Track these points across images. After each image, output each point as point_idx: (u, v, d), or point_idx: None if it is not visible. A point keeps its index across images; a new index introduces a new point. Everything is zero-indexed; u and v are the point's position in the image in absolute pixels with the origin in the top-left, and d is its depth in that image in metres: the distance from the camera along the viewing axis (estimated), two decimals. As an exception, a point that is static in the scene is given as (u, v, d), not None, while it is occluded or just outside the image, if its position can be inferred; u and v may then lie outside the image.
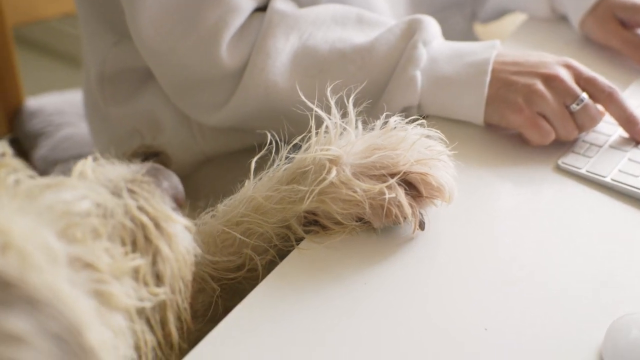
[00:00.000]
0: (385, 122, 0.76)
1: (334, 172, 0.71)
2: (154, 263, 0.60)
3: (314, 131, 0.74)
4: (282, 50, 0.89)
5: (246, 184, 0.77)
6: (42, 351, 0.38)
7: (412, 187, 0.73)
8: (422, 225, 0.73)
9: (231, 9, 0.88)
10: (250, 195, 0.74)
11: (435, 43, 0.89)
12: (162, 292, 0.60)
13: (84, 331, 0.43)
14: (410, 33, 0.88)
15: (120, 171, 0.63)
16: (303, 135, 0.75)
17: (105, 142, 1.10)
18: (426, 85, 0.88)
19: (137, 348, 0.57)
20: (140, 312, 0.58)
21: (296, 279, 0.69)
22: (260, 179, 0.76)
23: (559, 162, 0.83)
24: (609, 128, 0.87)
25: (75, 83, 1.51)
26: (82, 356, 0.41)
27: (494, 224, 0.79)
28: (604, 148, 0.85)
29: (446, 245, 0.74)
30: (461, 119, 0.89)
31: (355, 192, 0.71)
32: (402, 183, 0.72)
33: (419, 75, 0.87)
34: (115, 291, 0.54)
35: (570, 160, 0.83)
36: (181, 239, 0.62)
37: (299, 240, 0.74)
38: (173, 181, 0.65)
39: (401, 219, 0.72)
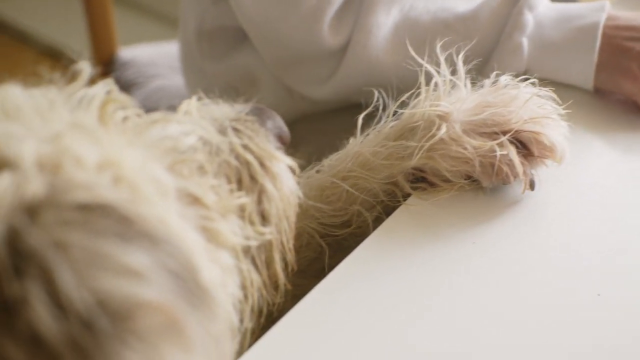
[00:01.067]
0: (495, 81, 0.75)
1: (443, 129, 0.70)
2: (259, 202, 0.60)
3: (423, 87, 0.73)
4: (383, 25, 0.88)
5: (351, 140, 0.77)
6: (160, 287, 0.38)
7: (523, 146, 0.71)
8: (532, 185, 0.72)
9: None
10: (357, 151, 0.74)
11: (541, 7, 0.87)
12: (268, 231, 0.60)
13: (198, 269, 0.43)
14: None
15: (225, 110, 0.62)
16: (411, 92, 0.74)
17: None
18: (533, 52, 0.86)
19: (244, 287, 0.58)
20: (246, 251, 0.58)
21: (402, 235, 0.69)
22: (367, 135, 0.76)
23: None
24: None
25: (167, 38, 1.52)
26: (198, 294, 0.41)
27: (603, 190, 0.76)
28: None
29: (554, 209, 0.73)
30: (570, 84, 0.87)
31: (465, 149, 0.70)
32: (514, 141, 0.71)
33: (525, 42, 0.85)
34: (222, 228, 0.54)
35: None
36: (285, 179, 0.62)
37: (406, 196, 0.73)
38: (277, 121, 0.64)
39: (511, 178, 0.70)
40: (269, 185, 0.60)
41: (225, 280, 0.54)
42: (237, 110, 0.63)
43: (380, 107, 0.76)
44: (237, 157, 0.59)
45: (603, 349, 0.59)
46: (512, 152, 0.70)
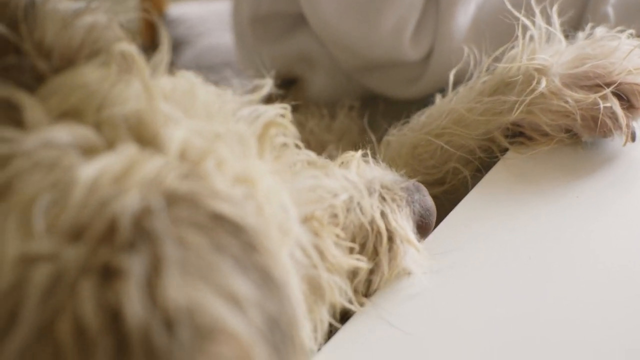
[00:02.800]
0: (591, 34, 0.73)
1: (543, 82, 0.69)
2: (370, 274, 0.59)
3: (520, 40, 0.72)
4: (463, 24, 0.86)
5: (437, 99, 0.76)
6: (251, 325, 0.37)
7: (626, 98, 0.70)
8: (633, 137, 0.71)
9: (409, 5, 0.85)
10: (451, 107, 0.73)
11: None
12: (368, 303, 0.58)
13: (298, 324, 0.42)
14: None
15: (380, 174, 0.62)
16: (505, 46, 0.73)
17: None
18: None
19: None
20: (342, 314, 0.57)
21: (503, 190, 0.69)
22: (457, 92, 0.75)
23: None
24: None
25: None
26: (288, 349, 0.40)
27: None
28: None
29: None
30: None
31: (566, 102, 0.69)
32: (616, 93, 0.69)
33: None
34: (332, 283, 0.53)
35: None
36: (405, 263, 0.60)
37: (503, 152, 0.72)
38: (427, 208, 0.63)
39: (613, 132, 0.70)
40: (384, 264, 0.59)
41: (316, 338, 0.53)
42: (393, 179, 0.62)
43: (471, 63, 0.75)
44: (371, 223, 0.58)
45: None
46: (616, 104, 0.68)
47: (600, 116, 0.69)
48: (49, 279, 0.36)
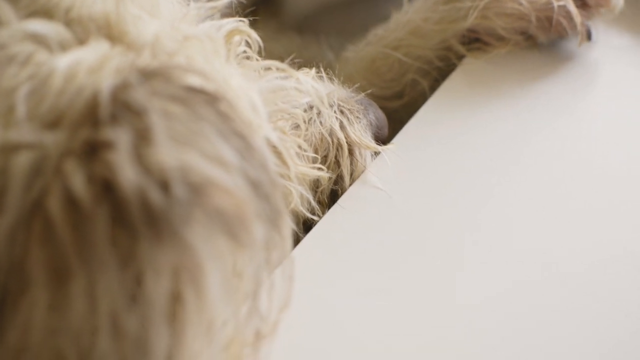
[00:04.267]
0: None
1: None
2: (334, 185, 0.60)
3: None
4: None
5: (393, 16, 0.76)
6: (238, 182, 0.38)
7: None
8: (589, 36, 0.71)
9: None
10: (408, 18, 0.73)
11: None
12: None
13: (278, 188, 0.41)
14: None
15: (336, 89, 0.63)
16: None
17: None
18: None
19: None
20: (307, 226, 0.58)
21: (463, 96, 0.69)
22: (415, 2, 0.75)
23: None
24: None
25: None
26: (271, 210, 0.40)
27: None
28: None
29: (612, 65, 0.72)
30: None
31: (520, 4, 0.69)
32: None
33: None
34: (294, 191, 0.54)
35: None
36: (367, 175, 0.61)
37: (460, 60, 0.72)
38: (381, 120, 0.65)
39: (569, 31, 0.70)
40: (346, 176, 0.60)
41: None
42: (347, 94, 0.64)
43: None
44: (332, 134, 0.60)
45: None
46: (569, 2, 0.69)
47: (555, 15, 0.69)
48: (33, 163, 0.36)
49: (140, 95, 0.37)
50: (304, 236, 0.57)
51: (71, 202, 0.35)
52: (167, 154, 0.35)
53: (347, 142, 0.60)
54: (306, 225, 0.59)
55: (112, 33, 0.43)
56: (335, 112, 0.60)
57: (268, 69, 0.54)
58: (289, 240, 0.42)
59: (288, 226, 0.42)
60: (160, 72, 0.39)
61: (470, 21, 0.70)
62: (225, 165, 0.37)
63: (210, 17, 0.53)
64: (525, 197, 0.60)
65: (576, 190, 0.61)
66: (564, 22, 0.69)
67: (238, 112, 0.41)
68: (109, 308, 0.35)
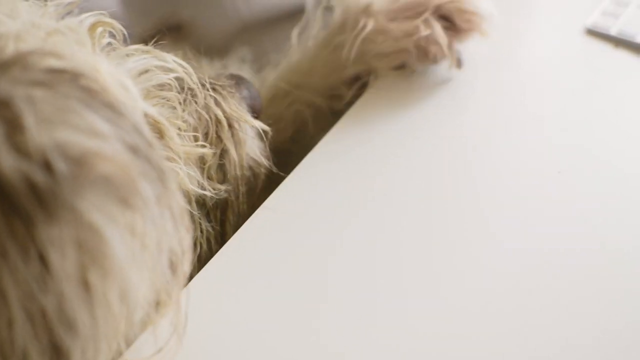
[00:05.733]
0: None
1: (370, 24, 0.71)
2: (220, 160, 0.61)
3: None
4: None
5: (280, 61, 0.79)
6: (117, 149, 0.39)
7: (449, 20, 0.72)
8: (459, 63, 0.73)
9: None
10: (298, 59, 0.76)
11: None
12: (224, 190, 0.61)
13: (157, 148, 0.43)
14: None
15: (205, 68, 0.65)
16: None
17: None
18: None
19: (194, 237, 0.59)
20: (201, 202, 0.60)
21: (356, 133, 0.70)
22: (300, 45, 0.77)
23: (587, 24, 0.83)
24: None
25: None
26: (154, 171, 0.41)
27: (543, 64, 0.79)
28: (632, 7, 0.84)
29: (496, 86, 0.75)
30: None
31: (396, 39, 0.71)
32: (439, 18, 0.71)
33: None
34: (180, 171, 0.55)
35: (599, 22, 0.83)
36: (250, 146, 0.63)
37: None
38: (253, 91, 0.66)
39: (439, 57, 0.72)
40: (230, 148, 0.61)
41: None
42: (217, 72, 0.65)
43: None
44: (208, 111, 0.60)
45: (565, 222, 0.61)
46: (436, 28, 0.70)
47: (422, 43, 0.71)
48: None
49: (2, 87, 0.37)
50: (198, 211, 0.59)
51: None
52: (41, 135, 0.36)
53: (224, 117, 0.61)
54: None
55: None
56: (208, 90, 0.61)
57: (132, 54, 0.55)
58: (177, 194, 0.43)
59: (173, 181, 0.43)
60: (17, 60, 0.39)
61: (351, 69, 0.73)
62: (100, 134, 0.38)
63: (69, 13, 0.53)
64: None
65: (466, 195, 0.64)
66: (434, 49, 0.72)
67: (103, 86, 0.42)
68: (20, 296, 0.36)
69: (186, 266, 0.46)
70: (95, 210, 0.37)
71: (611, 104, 0.74)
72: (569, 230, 0.61)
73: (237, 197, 0.63)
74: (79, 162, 0.36)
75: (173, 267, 0.44)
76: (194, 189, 0.58)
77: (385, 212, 0.63)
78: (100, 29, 0.53)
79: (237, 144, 0.62)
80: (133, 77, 0.53)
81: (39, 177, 0.35)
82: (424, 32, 0.70)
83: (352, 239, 0.61)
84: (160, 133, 0.54)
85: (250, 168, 0.64)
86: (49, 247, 0.36)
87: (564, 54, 0.81)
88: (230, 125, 0.62)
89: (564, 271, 0.57)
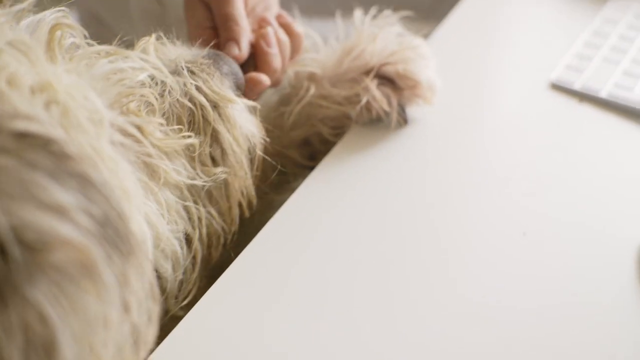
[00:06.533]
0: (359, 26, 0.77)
1: (312, 90, 0.72)
2: (211, 144, 0.60)
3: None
4: None
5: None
6: (80, 229, 0.37)
7: (391, 82, 0.73)
8: (404, 121, 0.74)
9: None
10: (264, 115, 0.73)
11: None
12: (220, 171, 0.61)
13: (125, 217, 0.42)
14: None
15: (181, 52, 0.63)
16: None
17: None
18: None
19: (192, 222, 0.59)
20: (196, 188, 0.59)
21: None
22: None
23: (552, 78, 0.82)
24: (597, 40, 0.87)
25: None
26: (122, 244, 0.40)
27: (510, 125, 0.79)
28: (596, 61, 0.83)
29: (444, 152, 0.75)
30: None
31: (339, 103, 0.72)
32: (383, 80, 0.73)
33: None
34: (165, 166, 0.55)
35: (563, 76, 0.82)
36: (241, 121, 0.62)
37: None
38: (233, 67, 0.65)
39: (382, 114, 0.73)
40: (221, 128, 0.61)
41: (165, 215, 0.55)
42: (193, 53, 0.63)
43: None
44: (190, 99, 0.59)
45: (529, 284, 0.61)
46: (374, 92, 0.71)
47: (364, 104, 0.72)
48: None
49: None
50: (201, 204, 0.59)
51: None
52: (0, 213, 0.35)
53: (208, 101, 0.60)
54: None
55: None
56: (186, 75, 0.60)
57: (98, 55, 0.54)
58: (144, 265, 0.43)
59: (143, 251, 0.43)
60: None
61: (298, 133, 0.72)
62: (63, 210, 0.37)
63: (24, 18, 0.52)
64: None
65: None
66: (377, 106, 0.72)
67: (74, 149, 0.40)
68: None
69: (150, 337, 0.45)
70: (47, 298, 0.36)
71: (576, 162, 0.73)
72: (533, 289, 0.61)
73: (237, 174, 0.62)
74: (35, 248, 0.36)
75: (135, 340, 0.43)
76: (183, 179, 0.57)
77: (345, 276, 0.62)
78: (59, 32, 0.51)
79: (227, 123, 0.61)
80: (100, 82, 0.52)
81: None
82: (364, 98, 0.71)
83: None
84: (140, 132, 0.53)
85: (247, 140, 0.63)
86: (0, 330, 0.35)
87: (528, 109, 0.80)
88: (215, 107, 0.61)
89: (529, 329, 0.57)
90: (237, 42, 0.69)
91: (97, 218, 0.39)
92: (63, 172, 0.38)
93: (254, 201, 0.65)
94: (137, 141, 0.53)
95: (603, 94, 0.80)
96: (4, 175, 0.36)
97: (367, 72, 0.73)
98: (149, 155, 0.54)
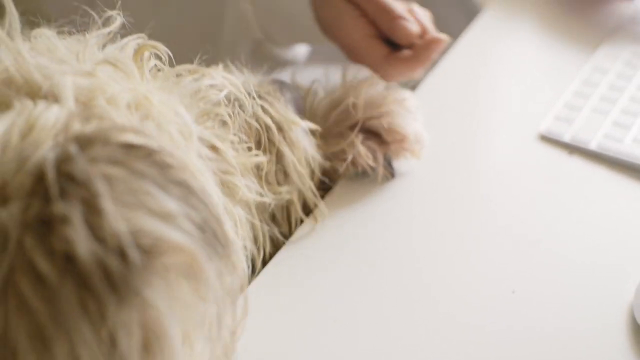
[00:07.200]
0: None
1: None
2: (276, 163, 0.64)
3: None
4: None
5: None
6: (185, 233, 0.41)
7: (376, 135, 0.73)
8: (391, 174, 0.74)
9: None
10: None
11: None
12: (285, 191, 0.64)
13: (221, 221, 0.45)
14: None
15: (248, 77, 0.66)
16: None
17: None
18: (261, 12, 0.84)
19: (256, 241, 0.62)
20: (262, 208, 0.63)
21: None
22: None
23: (541, 129, 0.81)
24: (587, 90, 0.85)
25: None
26: (219, 246, 0.43)
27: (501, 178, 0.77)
28: (586, 112, 0.82)
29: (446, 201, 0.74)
30: (306, 36, 0.83)
31: (327, 159, 0.71)
32: (369, 134, 0.73)
33: (249, 6, 0.84)
34: (239, 183, 0.57)
35: (552, 127, 0.81)
36: (303, 143, 0.66)
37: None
38: (295, 94, 0.68)
39: (368, 169, 0.73)
40: (285, 150, 0.64)
41: (238, 233, 0.57)
42: (259, 79, 0.67)
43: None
44: (257, 119, 0.63)
45: (518, 344, 0.60)
46: (357, 143, 0.71)
47: (350, 159, 0.71)
48: None
49: (82, 166, 0.39)
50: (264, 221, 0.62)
51: (38, 277, 0.38)
52: (116, 220, 0.38)
53: (273, 123, 0.64)
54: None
55: (31, 90, 0.46)
56: (254, 98, 0.62)
57: (180, 75, 0.57)
58: (238, 268, 0.47)
59: (237, 253, 0.47)
60: (96, 137, 0.41)
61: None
62: (170, 217, 0.40)
63: (112, 41, 0.55)
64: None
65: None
66: (362, 162, 0.72)
67: (173, 157, 0.43)
68: None
69: (239, 333, 0.50)
70: (161, 297, 0.40)
71: (566, 216, 0.72)
72: (522, 351, 0.60)
73: (301, 193, 0.66)
74: (150, 252, 0.39)
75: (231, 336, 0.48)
76: (253, 197, 0.60)
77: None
78: (146, 53, 0.54)
79: (291, 145, 0.65)
80: (187, 98, 0.55)
81: (114, 264, 0.38)
82: (349, 154, 0.71)
83: None
84: (216, 150, 0.56)
85: (308, 164, 0.67)
86: (118, 327, 0.38)
87: (517, 162, 0.79)
88: (280, 129, 0.64)
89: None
90: (404, 17, 0.73)
91: (198, 223, 0.42)
92: (167, 181, 0.42)
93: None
94: (217, 157, 0.56)
95: (593, 145, 0.79)
96: (119, 185, 0.40)
97: (352, 127, 0.72)
98: (226, 172, 0.56)
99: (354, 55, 0.77)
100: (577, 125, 0.81)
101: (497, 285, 0.65)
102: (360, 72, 0.76)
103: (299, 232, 0.69)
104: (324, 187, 0.74)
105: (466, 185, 0.76)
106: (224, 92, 0.59)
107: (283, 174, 0.64)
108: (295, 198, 0.66)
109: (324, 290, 0.65)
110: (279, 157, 0.64)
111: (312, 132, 0.68)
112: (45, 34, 0.53)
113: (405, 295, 0.64)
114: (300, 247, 0.68)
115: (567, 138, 0.80)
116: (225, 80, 0.60)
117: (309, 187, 0.66)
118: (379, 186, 0.74)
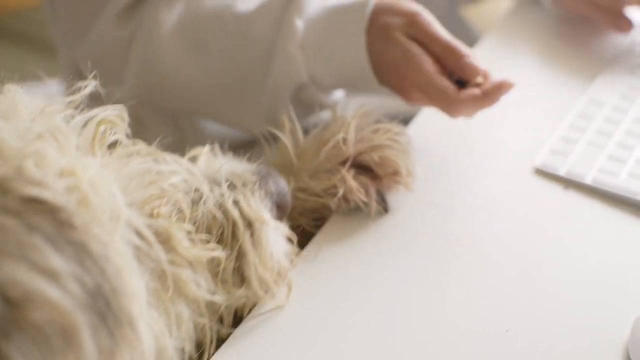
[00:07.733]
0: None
1: (291, 184, 0.70)
2: (236, 261, 0.58)
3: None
4: (164, 21, 0.84)
5: None
6: (67, 294, 0.39)
7: (368, 170, 0.73)
8: (385, 208, 0.73)
9: None
10: None
11: (310, 9, 0.81)
12: (242, 294, 0.59)
13: (122, 296, 0.43)
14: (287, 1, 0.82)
15: (230, 165, 0.62)
16: None
17: None
18: (309, 59, 0.81)
19: (201, 343, 0.57)
20: (212, 307, 0.57)
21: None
22: None
23: (536, 163, 0.80)
24: (582, 122, 0.85)
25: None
26: (112, 320, 0.42)
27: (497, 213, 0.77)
28: (581, 145, 0.82)
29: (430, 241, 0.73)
30: (354, 82, 0.81)
31: (318, 195, 0.71)
32: (360, 169, 0.72)
33: (298, 51, 0.80)
34: (185, 277, 0.53)
35: (548, 161, 0.80)
36: (272, 245, 0.60)
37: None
38: (281, 188, 0.63)
39: (360, 204, 0.72)
40: (249, 249, 0.58)
41: (172, 330, 0.52)
42: (242, 167, 0.62)
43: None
44: (224, 211, 0.58)
45: None
46: (349, 178, 0.70)
47: (341, 194, 0.71)
48: None
49: None
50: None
51: None
52: None
53: (242, 217, 0.58)
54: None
55: None
56: (224, 187, 0.58)
57: (135, 154, 0.55)
58: (138, 343, 0.43)
59: (136, 331, 0.43)
60: None
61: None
62: (54, 274, 0.39)
63: (79, 108, 0.54)
64: None
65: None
66: (356, 199, 0.71)
67: (79, 219, 0.42)
68: None
69: None
70: (21, 354, 0.38)
71: (561, 252, 0.71)
72: None
73: (257, 297, 0.61)
74: (17, 304, 0.38)
75: None
76: (203, 294, 0.55)
77: None
78: (102, 127, 0.53)
79: (257, 244, 0.59)
80: (133, 180, 0.53)
81: None
82: (340, 189, 0.70)
83: None
84: (166, 237, 0.52)
85: (274, 270, 0.60)
86: None
87: (512, 196, 0.78)
88: (249, 225, 0.58)
89: None
90: (471, 55, 0.74)
91: (89, 288, 0.40)
92: (62, 239, 0.40)
93: None
94: (167, 246, 0.52)
95: (588, 179, 0.78)
96: (4, 235, 0.39)
97: (343, 162, 0.72)
98: (173, 262, 0.52)
99: (422, 92, 0.75)
100: (572, 159, 0.80)
101: (491, 324, 0.64)
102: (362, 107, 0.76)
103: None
104: (317, 225, 0.73)
105: (460, 220, 0.75)
106: (177, 178, 0.56)
107: (240, 275, 0.59)
108: (249, 304, 0.61)
109: (317, 325, 0.64)
110: (240, 256, 0.58)
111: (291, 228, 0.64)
112: (16, 90, 0.52)
113: (398, 332, 0.63)
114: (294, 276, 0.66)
115: (562, 172, 0.79)
116: (179, 167, 0.57)
117: (266, 291, 0.61)
118: (371, 222, 0.73)
